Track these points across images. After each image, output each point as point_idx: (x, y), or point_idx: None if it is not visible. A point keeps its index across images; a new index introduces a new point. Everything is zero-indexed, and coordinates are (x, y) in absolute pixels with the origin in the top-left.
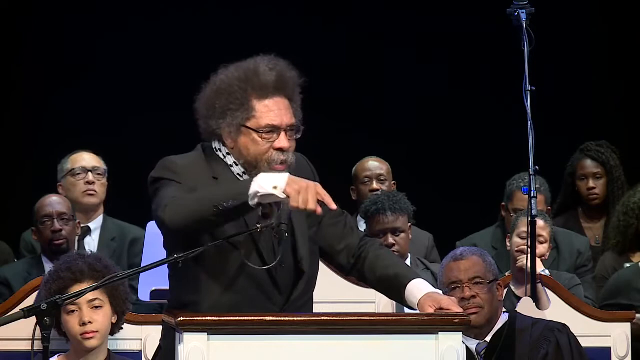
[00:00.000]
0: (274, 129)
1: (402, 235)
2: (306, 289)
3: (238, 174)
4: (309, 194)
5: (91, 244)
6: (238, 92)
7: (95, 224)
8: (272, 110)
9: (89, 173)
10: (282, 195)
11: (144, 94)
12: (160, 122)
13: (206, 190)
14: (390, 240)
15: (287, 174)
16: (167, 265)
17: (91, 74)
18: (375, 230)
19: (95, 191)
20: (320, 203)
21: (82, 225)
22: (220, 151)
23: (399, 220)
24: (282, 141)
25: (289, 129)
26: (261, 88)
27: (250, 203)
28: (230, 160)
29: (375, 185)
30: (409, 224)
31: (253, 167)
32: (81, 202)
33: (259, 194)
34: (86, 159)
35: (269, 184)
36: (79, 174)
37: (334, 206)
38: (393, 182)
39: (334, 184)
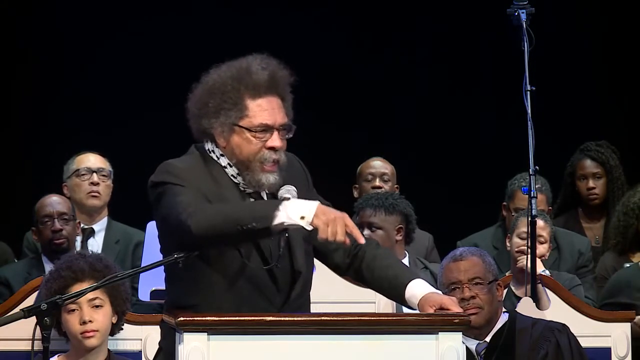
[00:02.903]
0: (267, 128)
1: (379, 232)
2: (303, 289)
3: (232, 175)
4: (338, 226)
5: (95, 245)
6: (231, 91)
7: (100, 226)
8: (266, 110)
9: (94, 174)
10: (309, 227)
11: (145, 95)
12: (161, 122)
13: (233, 205)
14: (365, 234)
15: (317, 203)
16: (163, 268)
17: (92, 74)
18: (357, 224)
19: (99, 193)
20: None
21: (86, 227)
22: (214, 152)
23: (376, 216)
24: (275, 140)
25: (281, 128)
26: (254, 87)
27: (273, 230)
28: (224, 161)
29: (378, 182)
30: (399, 226)
31: (245, 167)
32: (85, 203)
33: (284, 224)
34: (92, 160)
35: (297, 213)
36: (84, 174)
37: (362, 240)
38: (396, 185)
39: (335, 184)
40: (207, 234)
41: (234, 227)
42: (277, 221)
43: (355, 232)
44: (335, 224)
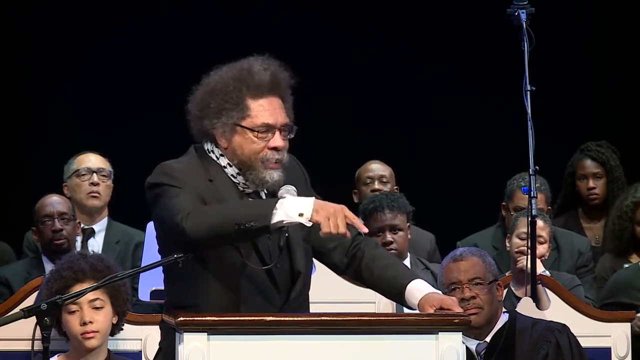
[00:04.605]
0: (269, 128)
1: (400, 233)
2: (302, 288)
3: (232, 174)
4: (339, 219)
5: (95, 246)
6: (233, 91)
7: (100, 226)
8: (267, 110)
9: (94, 174)
10: (309, 224)
11: (145, 95)
12: (161, 122)
13: (229, 205)
14: (389, 237)
15: (313, 199)
16: (162, 268)
17: (93, 74)
18: (374, 227)
19: (99, 193)
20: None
21: (86, 227)
22: (213, 152)
23: (397, 217)
24: (277, 140)
25: (283, 128)
26: (256, 87)
27: (272, 228)
28: (223, 161)
29: (377, 185)
30: (408, 224)
31: (247, 167)
32: (85, 203)
33: (283, 222)
34: (92, 160)
35: (295, 210)
36: (84, 174)
37: (364, 229)
38: (395, 187)
39: (335, 186)
40: (203, 235)
41: (231, 226)
42: (275, 219)
43: (357, 222)
44: (336, 217)
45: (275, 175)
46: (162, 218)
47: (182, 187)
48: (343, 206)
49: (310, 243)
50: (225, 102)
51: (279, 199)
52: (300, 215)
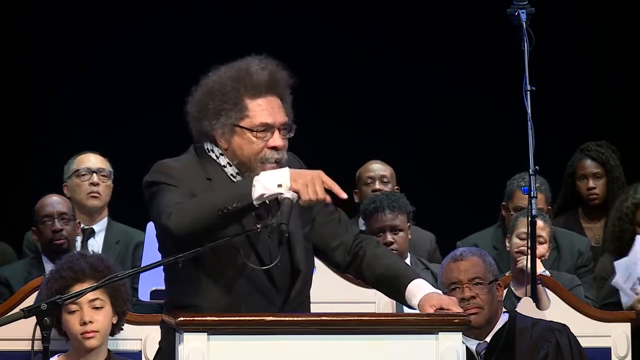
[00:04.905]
0: (268, 128)
1: (401, 233)
2: (303, 287)
3: (232, 174)
4: (317, 185)
5: (95, 246)
6: (231, 92)
7: (100, 226)
8: (266, 109)
9: (94, 174)
10: (289, 193)
11: (145, 95)
12: (161, 122)
13: (208, 195)
14: (389, 238)
15: (287, 169)
16: (162, 268)
17: (92, 74)
18: (374, 228)
19: (99, 193)
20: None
21: (86, 227)
22: (213, 152)
23: (397, 218)
24: (277, 140)
25: (282, 127)
26: (254, 87)
27: (255, 204)
28: (223, 160)
29: (377, 185)
30: (408, 224)
31: (246, 168)
32: (85, 203)
33: (264, 196)
34: (92, 160)
35: (273, 182)
36: (84, 174)
37: (343, 194)
38: (396, 187)
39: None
40: (190, 230)
41: (215, 214)
42: (256, 195)
43: (335, 188)
44: (314, 183)
45: None
46: (154, 218)
47: (178, 185)
48: (320, 171)
49: (312, 242)
50: (224, 102)
51: (254, 176)
52: (279, 186)
